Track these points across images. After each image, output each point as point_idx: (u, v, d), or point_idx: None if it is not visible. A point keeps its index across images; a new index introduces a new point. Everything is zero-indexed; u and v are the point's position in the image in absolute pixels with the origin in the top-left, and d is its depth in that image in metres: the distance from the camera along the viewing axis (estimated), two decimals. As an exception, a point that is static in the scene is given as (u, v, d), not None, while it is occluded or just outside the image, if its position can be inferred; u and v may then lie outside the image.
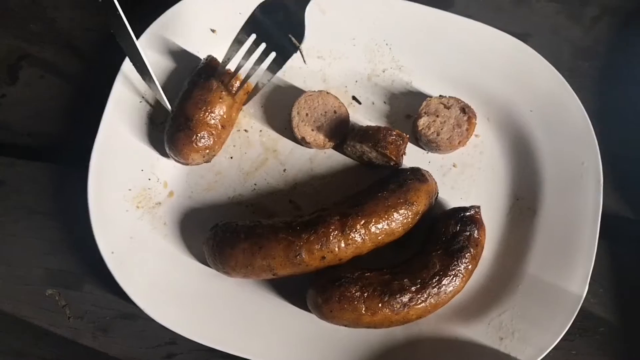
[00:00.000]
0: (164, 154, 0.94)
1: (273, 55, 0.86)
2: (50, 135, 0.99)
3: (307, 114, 0.94)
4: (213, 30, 0.97)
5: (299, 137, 0.94)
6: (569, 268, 0.91)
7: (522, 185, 0.97)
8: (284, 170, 0.97)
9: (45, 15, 1.04)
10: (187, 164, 0.91)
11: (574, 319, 0.90)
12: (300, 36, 0.84)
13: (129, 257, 0.89)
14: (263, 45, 0.86)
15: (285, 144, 0.98)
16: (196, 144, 0.88)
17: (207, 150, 0.89)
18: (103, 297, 0.93)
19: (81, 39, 1.02)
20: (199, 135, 0.88)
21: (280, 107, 0.97)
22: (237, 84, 0.90)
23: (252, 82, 0.91)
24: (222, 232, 0.86)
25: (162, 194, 0.94)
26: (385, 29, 0.98)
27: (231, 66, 0.89)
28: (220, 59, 0.90)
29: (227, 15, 0.97)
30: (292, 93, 0.97)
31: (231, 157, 0.97)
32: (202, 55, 0.95)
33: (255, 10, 0.84)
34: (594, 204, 0.92)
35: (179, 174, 0.95)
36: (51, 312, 0.93)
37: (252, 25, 0.84)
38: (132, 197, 0.92)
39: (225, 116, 0.90)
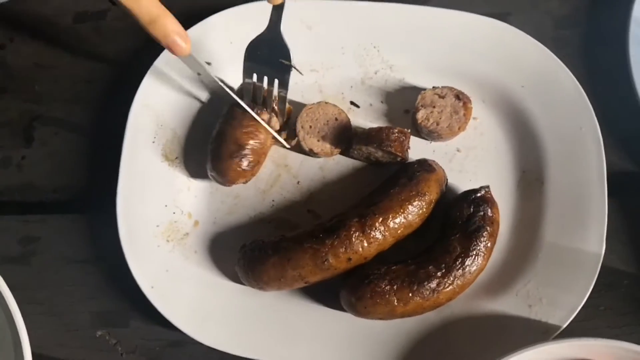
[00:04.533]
0: (183, 187, 1.00)
1: (277, 82, 0.94)
2: (75, 187, 1.05)
3: (310, 126, 0.99)
4: (209, 63, 1.02)
5: (307, 149, 0.99)
6: (584, 229, 0.94)
7: (526, 158, 1.00)
8: (298, 182, 1.02)
9: (48, 75, 1.09)
10: (227, 185, 0.97)
11: (599, 277, 0.93)
12: (287, 56, 0.91)
13: (168, 288, 0.94)
14: (266, 79, 0.94)
15: (294, 157, 1.02)
16: (245, 169, 0.94)
17: (251, 175, 0.97)
18: (150, 330, 0.98)
19: (86, 92, 1.08)
20: (250, 162, 0.94)
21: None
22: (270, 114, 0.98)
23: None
24: (250, 252, 0.91)
25: (188, 225, 0.99)
26: (370, 33, 1.03)
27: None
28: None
29: (219, 47, 1.02)
30: (293, 109, 1.01)
31: (232, 185, 1.01)
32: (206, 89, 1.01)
33: (245, 56, 0.92)
34: (598, 164, 0.96)
35: (201, 203, 1.00)
36: (104, 351, 0.98)
37: (248, 68, 0.94)
38: (160, 232, 0.97)
39: (266, 143, 0.97)
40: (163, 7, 0.82)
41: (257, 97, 0.96)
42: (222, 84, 0.95)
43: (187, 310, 0.94)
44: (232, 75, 1.00)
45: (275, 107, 0.98)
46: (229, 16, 1.03)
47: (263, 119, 0.96)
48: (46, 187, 1.05)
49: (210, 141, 0.97)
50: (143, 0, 0.80)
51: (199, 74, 0.95)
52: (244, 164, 0.94)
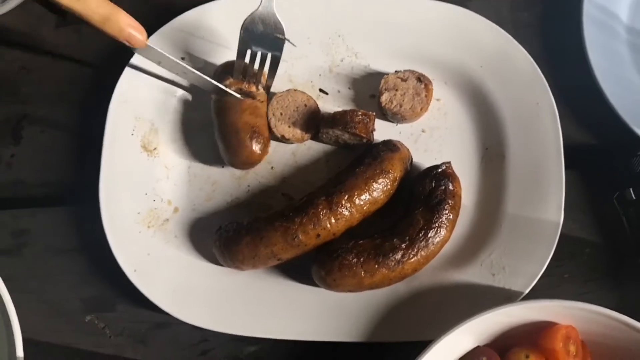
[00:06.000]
0: (162, 175, 1.05)
1: (270, 56, 1.00)
2: (61, 181, 1.10)
3: (281, 114, 1.04)
4: (183, 58, 1.08)
5: (279, 135, 1.04)
6: (543, 200, 0.99)
7: (488, 135, 1.05)
8: (272, 167, 1.07)
9: (33, 77, 1.15)
10: (255, 165, 1.02)
11: (561, 246, 0.98)
12: (280, 30, 0.97)
13: (150, 272, 1.00)
14: (259, 54, 0.99)
15: (268, 144, 1.08)
16: (264, 143, 1.00)
17: (267, 146, 1.02)
18: (136, 313, 1.03)
19: (69, 91, 1.13)
20: (264, 134, 1.00)
21: (256, 113, 1.07)
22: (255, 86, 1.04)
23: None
24: (226, 233, 0.96)
25: (168, 211, 1.04)
26: (335, 23, 1.08)
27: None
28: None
29: (193, 42, 1.08)
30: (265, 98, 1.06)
31: (222, 166, 1.06)
32: (181, 82, 1.07)
33: (240, 32, 0.97)
34: (555, 137, 1.01)
35: (180, 190, 1.06)
36: (94, 335, 1.03)
37: (243, 45, 0.98)
38: (142, 219, 1.02)
39: (263, 111, 1.03)
40: (112, 4, 0.88)
41: (248, 73, 1.01)
42: (187, 66, 1.01)
43: (168, 291, 0.99)
44: (207, 68, 1.07)
45: (263, 81, 1.03)
46: (202, 12, 1.08)
47: (249, 90, 1.02)
48: (35, 182, 1.11)
49: (219, 140, 1.01)
50: (91, 2, 0.85)
51: (159, 62, 1.01)
52: (260, 140, 0.99)
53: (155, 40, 1.06)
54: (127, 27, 0.90)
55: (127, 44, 0.91)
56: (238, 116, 0.99)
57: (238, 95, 1.01)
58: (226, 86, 1.02)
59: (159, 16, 1.08)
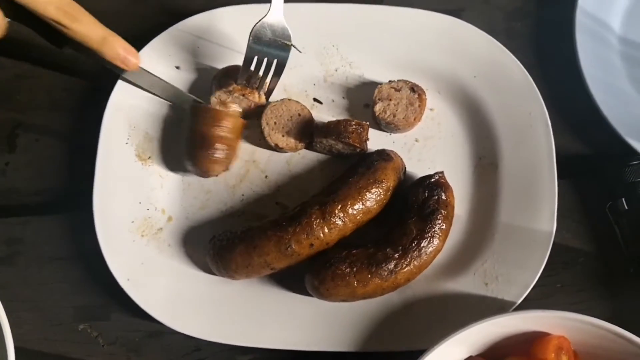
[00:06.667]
0: (157, 184, 1.05)
1: (275, 62, 1.01)
2: (55, 190, 1.10)
3: (275, 123, 1.04)
4: (177, 67, 1.08)
5: (273, 144, 1.04)
6: (536, 209, 0.99)
7: (481, 144, 1.06)
8: (266, 176, 1.07)
9: (27, 85, 1.15)
10: (210, 176, 1.03)
11: (554, 255, 0.98)
12: (287, 37, 0.98)
13: (143, 280, 0.99)
14: (265, 60, 1.01)
15: (262, 153, 1.08)
16: (219, 158, 1.00)
17: (228, 161, 1.03)
18: (129, 322, 1.03)
19: (63, 100, 1.13)
20: (223, 149, 1.00)
21: (251, 122, 1.07)
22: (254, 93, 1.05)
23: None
24: (219, 242, 0.96)
25: (161, 220, 1.04)
26: (329, 33, 1.08)
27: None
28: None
29: (187, 51, 1.08)
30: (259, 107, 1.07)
31: (217, 175, 1.06)
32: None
33: (248, 40, 0.98)
34: (547, 146, 1.01)
35: (174, 199, 1.06)
36: (86, 344, 1.03)
37: (250, 51, 0.99)
38: (135, 228, 1.02)
39: (235, 127, 1.02)
40: (108, 29, 0.93)
41: (252, 80, 1.02)
42: (176, 88, 1.05)
43: (162, 300, 0.99)
44: (202, 75, 1.08)
45: (265, 86, 1.04)
46: (199, 20, 1.08)
47: (248, 96, 1.03)
48: (28, 190, 1.10)
49: (184, 143, 1.02)
50: (89, 24, 0.90)
51: (150, 90, 1.05)
52: (218, 153, 0.99)
53: (155, 45, 1.07)
54: (122, 49, 0.94)
55: (122, 66, 0.96)
56: (195, 126, 1.01)
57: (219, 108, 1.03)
58: (229, 92, 1.02)
59: (162, 21, 1.09)
